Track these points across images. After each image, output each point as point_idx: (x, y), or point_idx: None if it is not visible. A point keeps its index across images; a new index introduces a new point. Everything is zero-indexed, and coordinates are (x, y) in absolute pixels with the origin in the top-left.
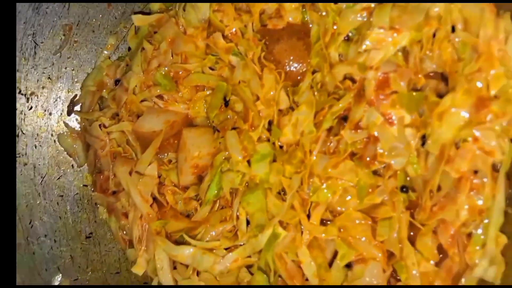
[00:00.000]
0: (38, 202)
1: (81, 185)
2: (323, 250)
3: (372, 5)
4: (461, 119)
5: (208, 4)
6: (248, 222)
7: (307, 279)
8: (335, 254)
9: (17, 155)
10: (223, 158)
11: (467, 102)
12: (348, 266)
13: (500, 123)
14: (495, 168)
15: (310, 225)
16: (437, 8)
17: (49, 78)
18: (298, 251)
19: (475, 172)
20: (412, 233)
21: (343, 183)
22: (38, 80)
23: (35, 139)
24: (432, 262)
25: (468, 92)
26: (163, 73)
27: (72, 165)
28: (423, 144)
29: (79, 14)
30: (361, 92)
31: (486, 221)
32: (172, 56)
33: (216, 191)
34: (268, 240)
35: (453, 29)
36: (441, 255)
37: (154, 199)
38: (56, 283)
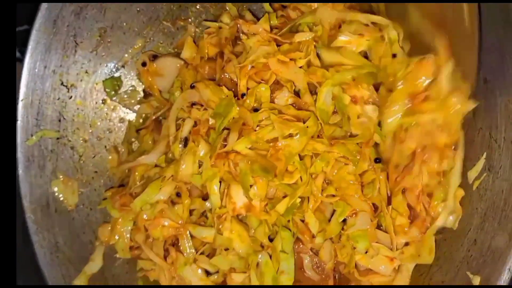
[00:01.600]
0: (76, 176)
1: None
2: (323, 212)
3: None
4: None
5: None
6: None
7: (314, 236)
8: (331, 216)
9: (59, 138)
10: None
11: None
12: (343, 221)
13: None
14: None
15: (316, 190)
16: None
17: (86, 72)
18: (305, 215)
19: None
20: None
21: (333, 154)
22: (77, 74)
23: (73, 124)
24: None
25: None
26: None
27: (105, 146)
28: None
29: (113, 19)
30: None
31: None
32: None
33: None
34: (288, 208)
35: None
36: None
37: None
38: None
